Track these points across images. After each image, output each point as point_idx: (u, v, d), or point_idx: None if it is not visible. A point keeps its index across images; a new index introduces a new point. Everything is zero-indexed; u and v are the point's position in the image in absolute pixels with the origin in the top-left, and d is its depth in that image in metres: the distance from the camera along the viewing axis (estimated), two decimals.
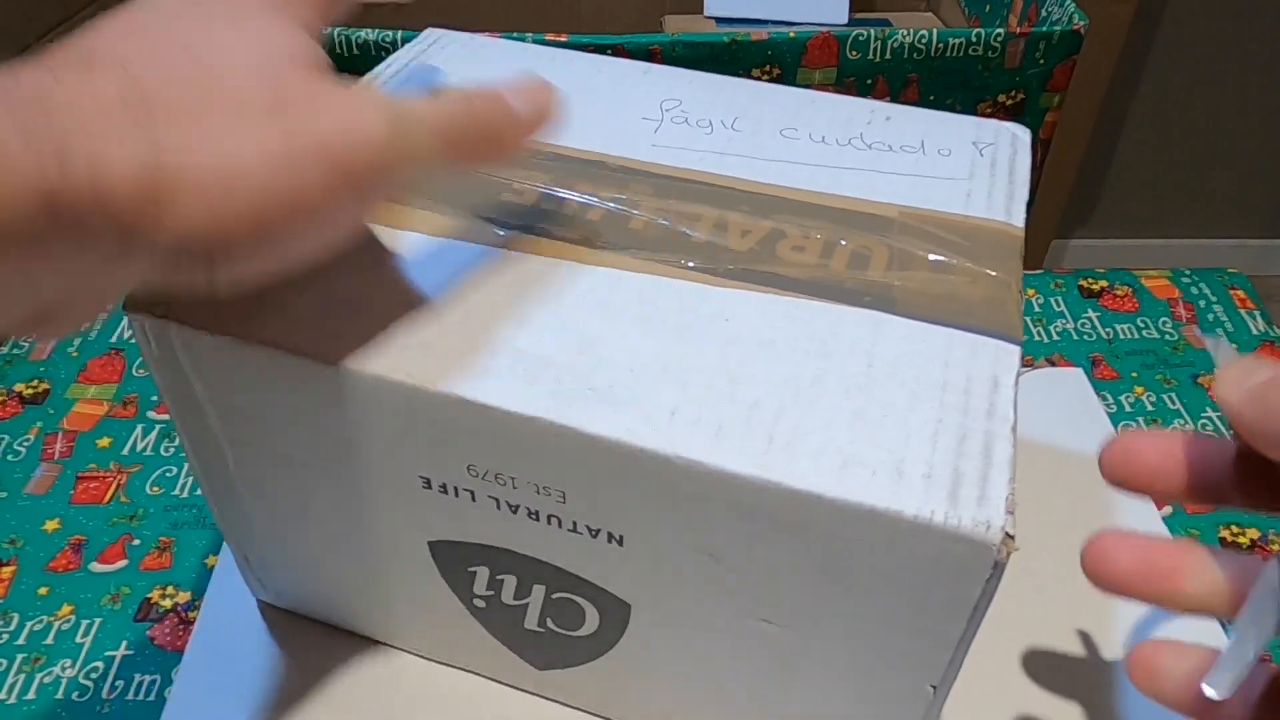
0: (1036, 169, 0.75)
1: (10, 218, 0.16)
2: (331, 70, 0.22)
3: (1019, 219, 0.29)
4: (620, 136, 0.32)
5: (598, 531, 0.26)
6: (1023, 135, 0.33)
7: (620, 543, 0.26)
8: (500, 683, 0.35)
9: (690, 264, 0.27)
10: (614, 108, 0.33)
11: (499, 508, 0.26)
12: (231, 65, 0.20)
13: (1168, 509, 0.42)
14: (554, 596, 0.29)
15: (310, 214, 0.20)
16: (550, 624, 0.30)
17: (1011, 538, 0.21)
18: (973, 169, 0.31)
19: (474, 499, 0.27)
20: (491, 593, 0.30)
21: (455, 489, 0.27)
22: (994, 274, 0.27)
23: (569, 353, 0.25)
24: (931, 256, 0.28)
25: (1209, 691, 0.20)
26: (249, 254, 0.20)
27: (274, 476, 0.30)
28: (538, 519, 0.26)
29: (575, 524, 0.26)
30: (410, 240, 0.28)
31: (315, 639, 0.38)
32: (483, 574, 0.29)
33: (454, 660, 0.36)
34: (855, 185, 0.30)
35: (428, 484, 0.27)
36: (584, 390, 0.24)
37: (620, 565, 0.26)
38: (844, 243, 0.28)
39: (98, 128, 0.17)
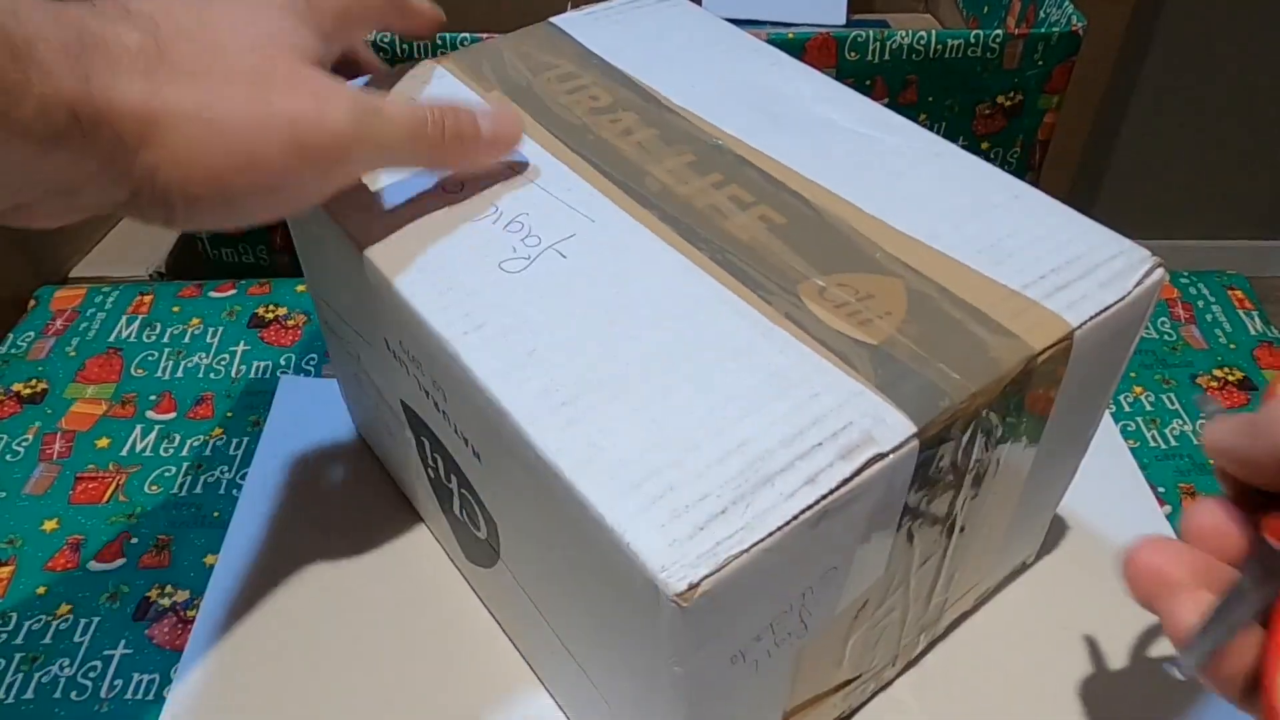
0: (1034, 170, 0.76)
1: (42, 118, 0.19)
2: (326, 69, 0.26)
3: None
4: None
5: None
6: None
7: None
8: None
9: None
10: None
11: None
12: (236, 43, 0.23)
13: (1167, 507, 0.42)
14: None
15: (268, 180, 0.23)
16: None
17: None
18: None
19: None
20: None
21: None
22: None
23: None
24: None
25: (1174, 672, 0.20)
26: (206, 205, 0.23)
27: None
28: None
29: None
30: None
31: (313, 638, 0.38)
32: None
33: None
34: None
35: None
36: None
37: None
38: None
39: (120, 65, 0.20)
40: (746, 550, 0.20)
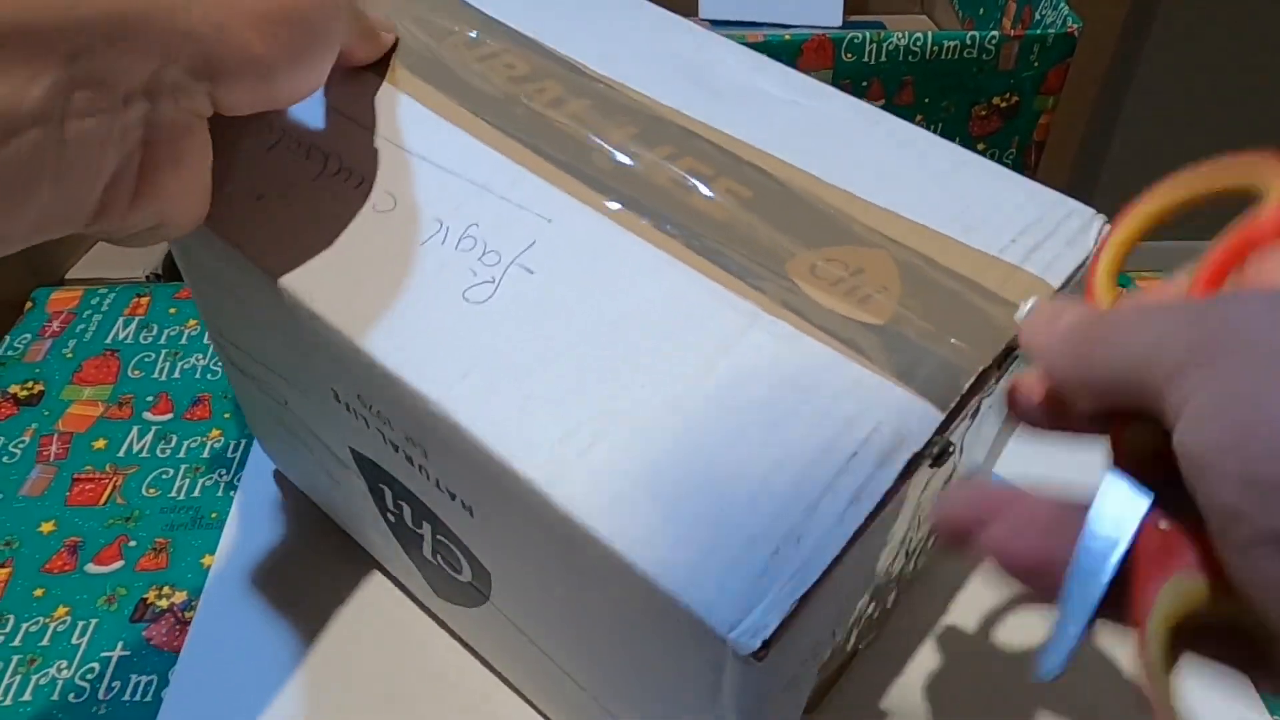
0: (1030, 171, 0.76)
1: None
2: None
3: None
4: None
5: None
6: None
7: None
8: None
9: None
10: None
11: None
12: None
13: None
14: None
15: (296, 19, 0.23)
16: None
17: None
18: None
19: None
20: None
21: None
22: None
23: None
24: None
25: (1044, 675, 0.18)
26: (250, 62, 0.23)
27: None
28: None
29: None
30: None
31: (312, 640, 0.38)
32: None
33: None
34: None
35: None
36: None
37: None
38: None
39: None
40: (809, 592, 0.19)
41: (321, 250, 0.26)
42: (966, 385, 0.22)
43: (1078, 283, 0.25)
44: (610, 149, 0.27)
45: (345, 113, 0.29)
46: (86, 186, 0.21)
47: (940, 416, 0.21)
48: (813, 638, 0.22)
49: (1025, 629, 0.37)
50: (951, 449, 0.22)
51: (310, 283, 0.25)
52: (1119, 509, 0.17)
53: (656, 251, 0.24)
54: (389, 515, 0.32)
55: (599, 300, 0.24)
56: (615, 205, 0.26)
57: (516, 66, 0.29)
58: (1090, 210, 0.27)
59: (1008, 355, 0.23)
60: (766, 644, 0.18)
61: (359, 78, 0.30)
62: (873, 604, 0.29)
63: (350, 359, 0.25)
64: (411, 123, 0.28)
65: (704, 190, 0.26)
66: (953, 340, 0.22)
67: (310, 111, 0.29)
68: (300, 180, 0.27)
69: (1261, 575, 0.14)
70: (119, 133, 0.21)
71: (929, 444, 0.21)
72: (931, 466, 0.22)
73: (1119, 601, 0.17)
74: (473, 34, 0.31)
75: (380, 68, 0.30)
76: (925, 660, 0.36)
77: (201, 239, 0.28)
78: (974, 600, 0.38)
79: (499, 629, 0.31)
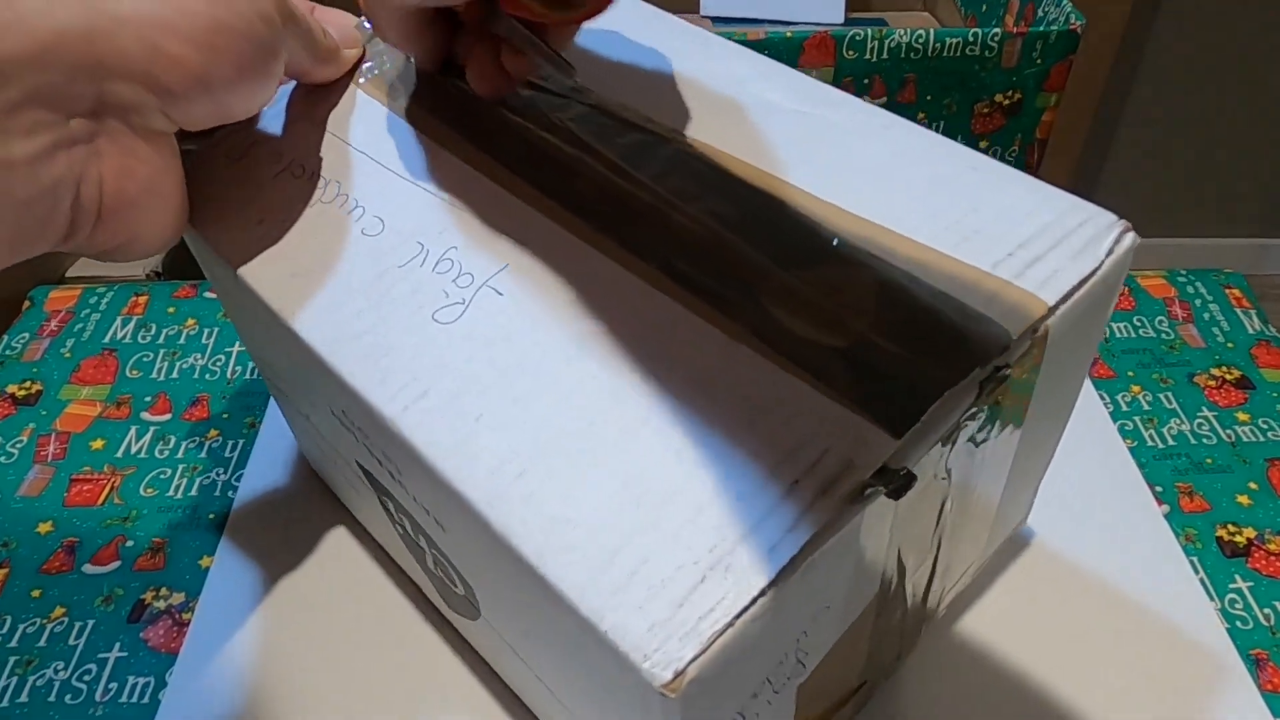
0: (1032, 169, 0.75)
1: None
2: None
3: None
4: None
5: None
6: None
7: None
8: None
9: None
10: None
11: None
12: None
13: (1165, 506, 0.42)
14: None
15: (235, 42, 0.25)
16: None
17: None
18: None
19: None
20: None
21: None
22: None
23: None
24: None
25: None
26: (190, 75, 0.24)
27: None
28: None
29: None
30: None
31: (311, 641, 0.38)
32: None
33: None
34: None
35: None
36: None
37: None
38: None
39: None
40: (731, 623, 0.18)
41: (308, 271, 0.27)
42: (928, 410, 0.21)
43: (1083, 298, 0.24)
44: (593, 172, 0.27)
45: (345, 139, 0.30)
46: (47, 207, 0.23)
47: (894, 444, 0.20)
48: (757, 669, 0.21)
49: (1055, 667, 0.37)
50: (914, 480, 0.21)
51: (293, 303, 0.26)
52: None
53: (627, 275, 0.25)
54: (397, 527, 0.32)
55: (563, 322, 0.24)
56: (593, 229, 0.26)
57: (519, 90, 0.30)
58: (1111, 216, 0.25)
59: (992, 382, 0.22)
60: (679, 674, 0.18)
61: (362, 106, 0.31)
62: (881, 620, 0.28)
63: (327, 376, 0.25)
64: (408, 149, 0.29)
65: (687, 210, 0.26)
66: (920, 364, 0.22)
67: (313, 139, 0.30)
68: (299, 205, 0.28)
69: None
70: (66, 151, 0.22)
71: (880, 472, 0.20)
72: (889, 497, 0.21)
73: None
74: None
75: (386, 99, 0.31)
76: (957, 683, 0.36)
77: (214, 261, 0.29)
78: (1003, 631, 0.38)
79: (495, 642, 0.31)
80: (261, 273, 0.27)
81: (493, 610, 0.28)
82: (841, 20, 0.90)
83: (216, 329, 0.53)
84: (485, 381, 0.23)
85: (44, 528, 0.43)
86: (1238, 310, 0.53)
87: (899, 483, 0.21)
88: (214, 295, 0.55)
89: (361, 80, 0.32)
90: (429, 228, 0.27)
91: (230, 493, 0.44)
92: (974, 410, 0.23)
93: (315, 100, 0.31)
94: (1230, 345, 0.50)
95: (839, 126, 0.28)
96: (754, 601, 0.19)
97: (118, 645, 0.38)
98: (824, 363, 0.22)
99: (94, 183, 0.24)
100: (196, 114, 0.25)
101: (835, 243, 0.25)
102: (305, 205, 0.28)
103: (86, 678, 0.37)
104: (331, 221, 0.28)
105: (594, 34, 0.32)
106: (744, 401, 0.22)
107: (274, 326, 0.27)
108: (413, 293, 0.25)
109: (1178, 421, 0.46)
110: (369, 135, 0.30)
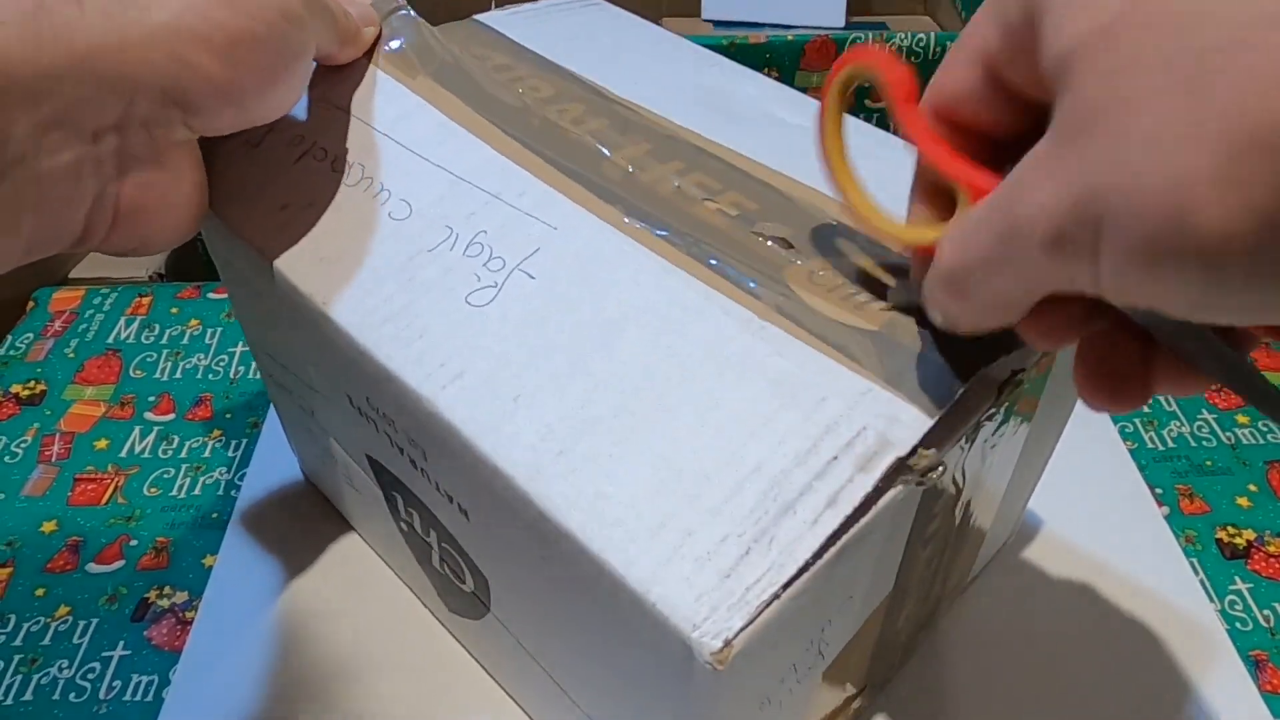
0: None
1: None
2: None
3: None
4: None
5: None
6: None
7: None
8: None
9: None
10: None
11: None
12: None
13: (1165, 508, 0.42)
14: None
15: (262, 31, 0.24)
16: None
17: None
18: None
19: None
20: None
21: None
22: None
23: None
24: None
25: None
26: (216, 89, 0.24)
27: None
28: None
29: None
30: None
31: (313, 641, 0.38)
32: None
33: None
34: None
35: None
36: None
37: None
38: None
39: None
40: (777, 594, 0.18)
41: (336, 257, 0.27)
42: (959, 391, 0.21)
43: None
44: (622, 162, 0.28)
45: (368, 122, 0.30)
46: (66, 216, 0.23)
47: (929, 421, 0.21)
48: (789, 651, 0.21)
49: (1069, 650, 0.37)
50: (940, 468, 0.21)
51: (322, 287, 0.26)
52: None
53: (657, 258, 0.25)
54: (402, 524, 0.32)
55: (596, 304, 0.24)
56: (621, 214, 0.26)
57: (541, 89, 0.31)
58: None
59: (1010, 379, 0.23)
60: (728, 644, 0.18)
61: (383, 87, 0.31)
62: (888, 622, 0.28)
63: (355, 359, 0.25)
64: (432, 132, 0.29)
65: (711, 202, 0.26)
66: (949, 347, 0.22)
67: (335, 122, 0.30)
68: (324, 189, 0.28)
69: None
70: (92, 166, 0.23)
71: (914, 451, 0.20)
72: (917, 484, 0.21)
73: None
74: (503, 60, 0.32)
75: (406, 77, 0.31)
76: (970, 675, 0.36)
77: (233, 246, 0.29)
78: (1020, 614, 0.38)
79: (501, 642, 0.31)
80: (288, 259, 0.27)
81: (506, 603, 0.28)
82: (842, 24, 0.90)
83: (220, 329, 0.53)
84: (520, 362, 0.23)
85: (48, 527, 0.43)
86: None
87: (931, 461, 0.21)
88: (217, 296, 0.55)
89: (380, 59, 0.32)
90: (457, 211, 0.27)
91: (234, 492, 0.44)
92: (992, 411, 0.23)
93: (334, 81, 0.31)
94: None
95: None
96: (800, 573, 0.19)
97: (121, 644, 0.38)
98: (854, 342, 0.22)
99: (110, 193, 0.24)
100: (222, 124, 0.25)
101: (854, 236, 0.25)
102: (329, 190, 0.28)
103: (90, 676, 0.37)
104: (357, 206, 0.27)
105: (614, 56, 0.33)
106: (777, 378, 0.22)
107: (300, 313, 0.27)
108: (444, 276, 0.25)
109: (1178, 424, 0.46)
110: (391, 117, 0.30)
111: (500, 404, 0.23)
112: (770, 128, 0.30)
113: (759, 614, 0.18)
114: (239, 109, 0.25)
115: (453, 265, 0.26)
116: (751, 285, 0.24)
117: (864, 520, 0.20)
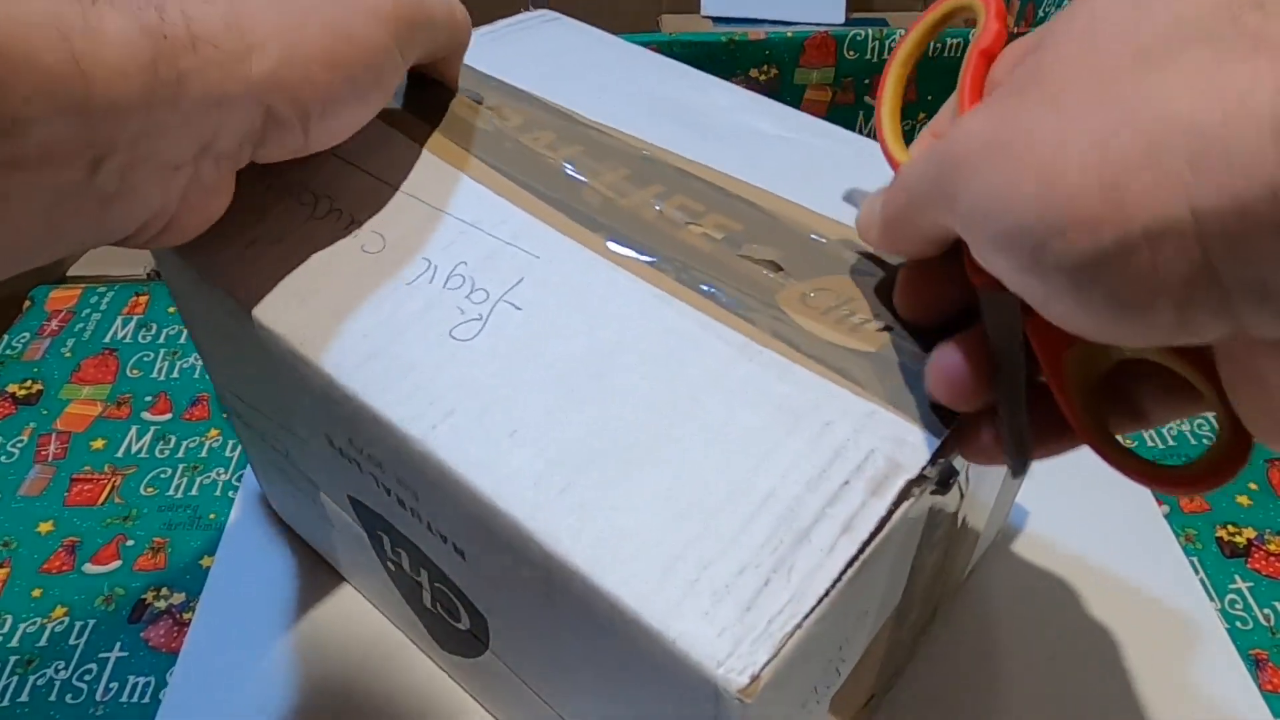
0: None
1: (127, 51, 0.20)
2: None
3: None
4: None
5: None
6: None
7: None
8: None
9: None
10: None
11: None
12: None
13: (1165, 507, 0.42)
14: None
15: (367, 55, 0.25)
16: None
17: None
18: None
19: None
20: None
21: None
22: None
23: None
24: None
25: (1017, 475, 0.21)
26: (332, 92, 0.24)
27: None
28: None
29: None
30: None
31: (311, 641, 0.38)
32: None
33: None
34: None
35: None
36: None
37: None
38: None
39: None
40: (800, 625, 0.18)
41: (310, 294, 0.26)
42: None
43: None
44: (601, 188, 0.27)
45: (338, 153, 0.29)
46: (121, 229, 0.23)
47: (937, 441, 0.21)
48: (810, 675, 0.21)
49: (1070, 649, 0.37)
50: (955, 475, 0.22)
51: (297, 326, 0.25)
52: (1001, 318, 0.20)
53: (646, 285, 0.25)
54: (389, 564, 0.31)
55: (587, 334, 0.24)
56: (605, 240, 0.26)
57: (511, 120, 0.30)
58: None
59: None
60: (755, 679, 0.18)
61: None
62: (896, 629, 0.28)
63: (337, 401, 0.25)
64: (402, 161, 0.29)
65: (695, 225, 0.26)
66: None
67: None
68: (293, 223, 0.28)
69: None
70: (161, 192, 0.23)
71: (925, 470, 0.21)
72: (934, 494, 0.21)
73: (1046, 396, 0.19)
74: (470, 89, 0.31)
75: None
76: (970, 679, 0.36)
77: (195, 286, 0.28)
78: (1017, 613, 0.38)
79: (499, 679, 0.30)
80: (258, 296, 0.26)
81: (506, 642, 0.28)
82: (842, 20, 0.90)
83: None
84: (513, 397, 0.23)
85: (44, 527, 0.43)
86: None
87: (943, 475, 0.21)
88: None
89: None
90: (434, 243, 0.26)
91: (231, 492, 0.44)
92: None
93: None
94: None
95: (826, 153, 0.29)
96: (820, 601, 0.19)
97: (118, 645, 0.38)
98: (853, 365, 0.22)
99: (170, 209, 0.24)
100: (284, 158, 0.26)
101: (845, 255, 0.25)
102: (298, 223, 0.27)
103: (87, 677, 0.37)
104: (328, 239, 0.27)
105: (580, 75, 0.33)
106: (781, 404, 0.22)
107: (272, 353, 0.26)
108: (425, 310, 0.25)
109: (1177, 422, 0.46)
110: (357, 146, 0.28)
111: (496, 440, 0.22)
112: (748, 141, 0.30)
113: (783, 645, 0.18)
114: (308, 149, 0.25)
115: (434, 299, 0.25)
116: (744, 310, 0.24)
117: (878, 541, 0.20)
